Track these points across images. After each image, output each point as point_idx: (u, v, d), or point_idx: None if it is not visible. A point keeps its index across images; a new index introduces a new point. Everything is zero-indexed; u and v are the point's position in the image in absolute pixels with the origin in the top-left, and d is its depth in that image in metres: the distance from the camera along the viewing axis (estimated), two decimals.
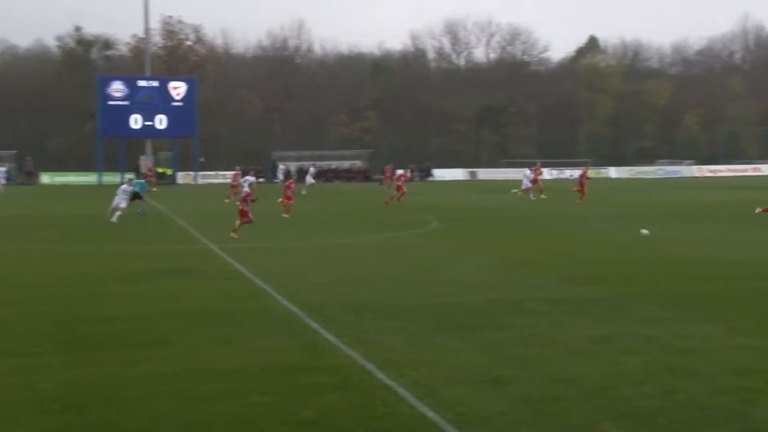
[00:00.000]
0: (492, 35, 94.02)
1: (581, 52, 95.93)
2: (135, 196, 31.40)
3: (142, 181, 37.12)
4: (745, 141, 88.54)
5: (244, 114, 79.39)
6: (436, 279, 16.62)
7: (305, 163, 63.78)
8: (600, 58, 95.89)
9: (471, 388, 9.14)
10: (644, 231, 22.60)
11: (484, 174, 72.24)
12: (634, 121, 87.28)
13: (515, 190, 43.26)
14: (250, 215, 24.33)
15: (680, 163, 77.30)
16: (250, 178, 42.63)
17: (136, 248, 21.99)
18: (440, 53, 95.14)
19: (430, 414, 8.27)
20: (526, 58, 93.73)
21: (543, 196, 40.67)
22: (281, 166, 63.62)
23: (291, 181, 34.19)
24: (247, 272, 17.43)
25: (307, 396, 8.91)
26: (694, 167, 76.08)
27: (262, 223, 28.88)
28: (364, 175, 67.19)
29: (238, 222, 24.04)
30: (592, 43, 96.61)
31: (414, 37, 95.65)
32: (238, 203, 25.71)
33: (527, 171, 44.01)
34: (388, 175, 53.96)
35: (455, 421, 8.09)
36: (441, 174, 70.90)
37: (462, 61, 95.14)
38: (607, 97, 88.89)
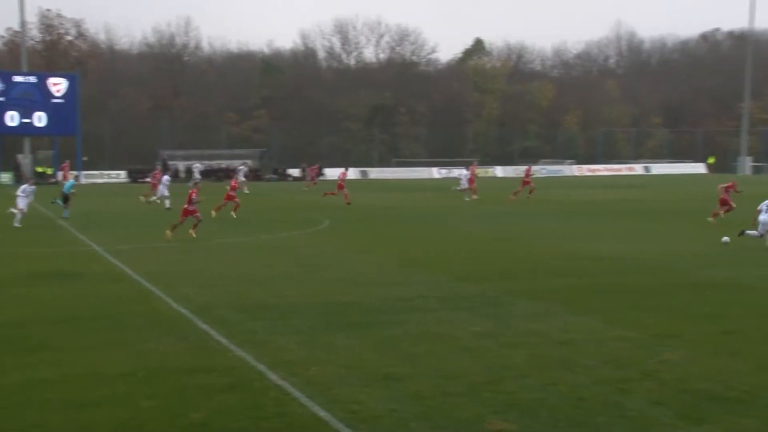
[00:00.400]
0: (381, 35, 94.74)
1: (468, 53, 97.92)
2: (65, 199, 30.51)
3: (72, 181, 34.88)
4: (620, 142, 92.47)
5: (130, 112, 77.12)
6: (328, 278, 16.63)
7: (193, 162, 62.59)
8: (486, 60, 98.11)
9: (363, 385, 9.20)
10: (725, 238, 21.95)
11: (376, 173, 72.74)
12: (519, 121, 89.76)
13: (455, 188, 43.49)
14: (198, 213, 23.91)
15: (562, 163, 79.98)
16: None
17: (14, 251, 21.04)
18: (330, 53, 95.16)
19: (322, 413, 8.28)
20: (415, 58, 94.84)
21: (475, 197, 40.29)
22: (197, 165, 61.93)
23: (234, 180, 33.97)
24: (134, 274, 16.97)
25: (196, 398, 8.76)
26: (575, 166, 78.85)
27: (150, 223, 28.17)
28: (255, 175, 66.43)
29: (178, 223, 23.67)
30: (478, 45, 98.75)
31: (304, 37, 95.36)
32: (150, 200, 25.14)
33: (464, 171, 44.03)
34: (312, 175, 55.10)
35: (347, 419, 8.13)
36: (333, 173, 70.90)
37: (352, 61, 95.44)
38: (493, 97, 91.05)
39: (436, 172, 74.56)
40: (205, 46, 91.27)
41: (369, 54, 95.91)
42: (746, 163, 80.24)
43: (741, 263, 18.52)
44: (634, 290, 15.14)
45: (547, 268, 17.92)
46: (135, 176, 63.92)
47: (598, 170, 78.55)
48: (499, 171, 75.70)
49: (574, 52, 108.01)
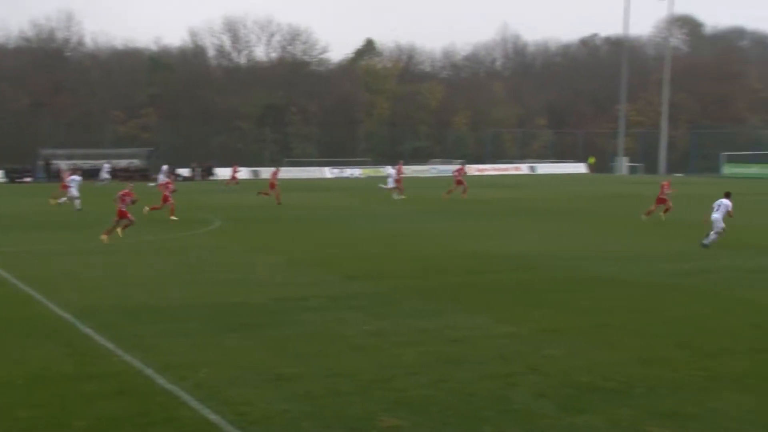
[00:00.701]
0: (272, 34, 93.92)
1: (359, 53, 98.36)
2: None
3: None
4: (507, 142, 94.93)
5: (6, 109, 73.60)
6: (219, 279, 16.36)
7: (87, 162, 60.38)
8: (377, 60, 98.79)
9: (254, 387, 9.10)
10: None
11: (267, 173, 72.02)
12: (410, 121, 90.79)
13: (381, 186, 43.35)
14: (129, 215, 23.02)
15: (451, 162, 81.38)
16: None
17: None
18: (220, 51, 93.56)
19: (212, 416, 8.15)
20: (306, 58, 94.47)
21: (402, 197, 40.23)
22: (106, 165, 59.21)
23: (168, 181, 32.83)
24: (12, 278, 16.22)
25: (79, 406, 8.45)
26: (388, 167, 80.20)
27: (36, 225, 27.01)
28: (142, 175, 64.59)
29: (114, 224, 22.77)
30: (369, 46, 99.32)
31: (193, 34, 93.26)
32: (60, 201, 24.04)
33: (391, 170, 44.02)
34: (233, 174, 54.58)
35: (237, 421, 8.03)
36: (224, 173, 69.78)
37: (243, 60, 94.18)
38: (384, 98, 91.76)
39: (328, 172, 74.55)
40: (88, 41, 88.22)
41: (260, 53, 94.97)
42: (623, 164, 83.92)
43: (621, 259, 19.32)
44: (522, 287, 15.56)
45: (438, 266, 18.20)
46: (12, 176, 61.14)
47: (487, 170, 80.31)
48: (391, 170, 76.21)
49: (463, 54, 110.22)
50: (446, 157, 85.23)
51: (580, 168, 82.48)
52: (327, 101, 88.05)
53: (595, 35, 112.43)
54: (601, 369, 9.78)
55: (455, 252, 20.58)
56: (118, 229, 22.88)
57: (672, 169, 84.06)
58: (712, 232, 21.25)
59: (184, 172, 67.02)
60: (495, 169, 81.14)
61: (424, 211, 33.37)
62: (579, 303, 13.88)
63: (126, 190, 23.44)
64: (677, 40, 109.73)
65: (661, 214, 28.83)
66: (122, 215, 22.90)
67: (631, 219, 29.28)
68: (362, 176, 72.79)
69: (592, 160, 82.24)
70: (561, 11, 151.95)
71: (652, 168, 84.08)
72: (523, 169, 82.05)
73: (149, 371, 9.62)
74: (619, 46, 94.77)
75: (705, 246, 20.96)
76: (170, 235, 24.35)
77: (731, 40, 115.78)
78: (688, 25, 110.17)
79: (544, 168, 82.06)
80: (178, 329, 11.83)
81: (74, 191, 33.27)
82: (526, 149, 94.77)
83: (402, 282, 16.01)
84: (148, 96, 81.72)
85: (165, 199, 29.74)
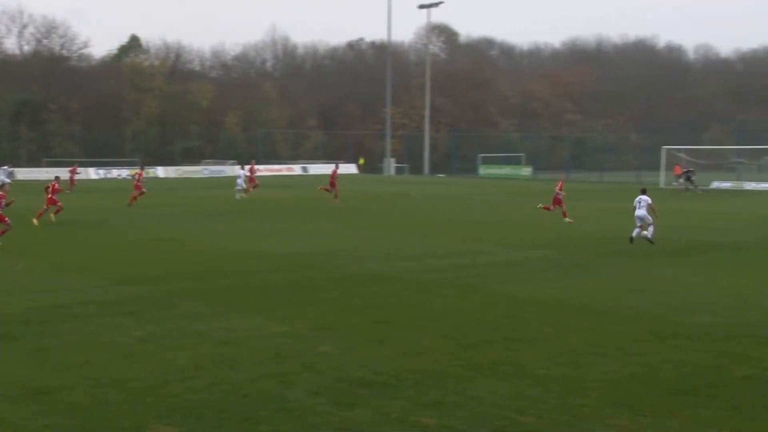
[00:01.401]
0: (24, 26, 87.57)
1: (124, 50, 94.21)
2: None
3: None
4: (279, 143, 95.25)
5: None
6: None
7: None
8: (143, 58, 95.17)
9: (10, 403, 8.43)
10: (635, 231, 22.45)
11: (24, 174, 66.91)
12: (180, 121, 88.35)
13: (239, 189, 41.67)
14: (7, 220, 21.61)
15: (224, 163, 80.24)
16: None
17: None
18: None
19: None
20: (65, 52, 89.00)
21: (244, 196, 40.38)
22: (5, 167, 51.15)
23: (53, 183, 29.26)
24: None
25: None
26: (237, 167, 79.53)
27: None
28: None
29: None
30: (134, 42, 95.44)
31: None
32: None
33: (241, 170, 43.54)
34: (72, 177, 50.46)
35: None
36: None
37: None
38: (152, 96, 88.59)
39: (93, 173, 70.70)
40: None
41: (11, 45, 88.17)
42: (390, 165, 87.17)
43: (393, 256, 20.01)
44: (296, 286, 15.66)
45: (211, 268, 17.86)
46: None
47: (259, 170, 79.92)
48: (161, 171, 73.84)
49: (233, 53, 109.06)
50: (218, 157, 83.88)
51: (351, 168, 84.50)
52: (90, 99, 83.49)
53: (361, 39, 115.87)
54: (373, 364, 10.08)
55: (232, 253, 20.32)
56: None
57: (435, 169, 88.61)
58: (650, 227, 22.25)
59: None
60: (267, 170, 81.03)
61: (194, 213, 32.63)
62: (352, 300, 14.21)
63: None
64: (436, 47, 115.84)
65: (566, 219, 28.66)
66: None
67: (402, 217, 30.45)
68: (129, 177, 69.79)
69: (361, 161, 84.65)
70: (329, 15, 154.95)
71: (417, 169, 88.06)
72: (296, 169, 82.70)
73: None
74: (383, 50, 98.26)
75: (649, 241, 21.99)
76: None
77: (483, 50, 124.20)
78: (445, 33, 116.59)
79: (317, 168, 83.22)
80: None
81: None
82: (298, 150, 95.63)
83: (177, 285, 15.54)
84: None
85: (51, 202, 27.84)
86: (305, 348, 10.83)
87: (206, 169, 78.15)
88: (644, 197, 22.64)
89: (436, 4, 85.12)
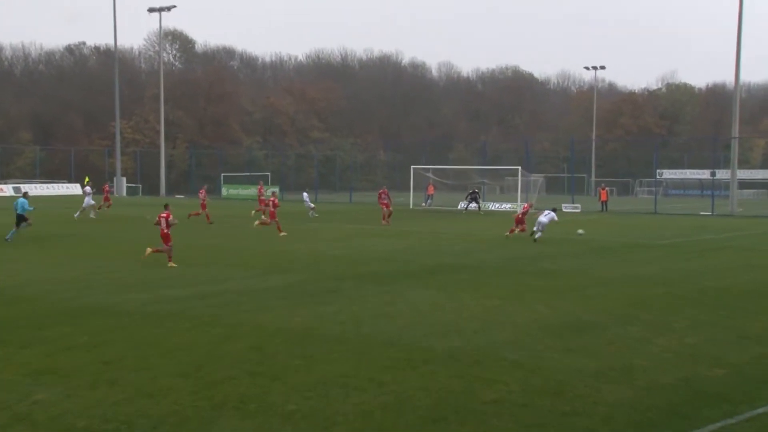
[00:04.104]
0: None
1: None
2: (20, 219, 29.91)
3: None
4: None
5: None
6: None
7: None
8: None
9: None
10: (580, 230, 32.50)
11: None
12: None
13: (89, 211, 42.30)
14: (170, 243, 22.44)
15: None
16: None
17: None
18: None
19: None
20: None
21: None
22: None
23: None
24: None
25: None
26: None
27: None
28: None
29: None
30: None
31: None
32: None
33: (87, 188, 44.37)
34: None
35: None
36: None
37: None
38: None
39: None
40: None
41: None
42: (122, 184, 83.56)
43: (124, 287, 19.16)
44: (12, 324, 14.53)
45: None
46: None
47: None
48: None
49: None
50: None
51: (75, 189, 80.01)
52: None
53: (82, 43, 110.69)
54: (102, 410, 9.57)
55: None
56: None
57: (173, 190, 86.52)
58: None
59: None
60: None
61: None
62: (76, 339, 13.41)
63: None
64: (170, 55, 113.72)
65: (508, 234, 33.54)
66: None
67: (134, 243, 29.34)
68: None
69: (87, 180, 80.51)
70: (38, 13, 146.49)
71: (153, 189, 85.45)
72: (7, 190, 76.91)
73: None
74: (109, 56, 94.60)
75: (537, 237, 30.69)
76: None
77: (222, 60, 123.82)
78: (180, 40, 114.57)
79: (34, 189, 77.96)
80: None
81: None
82: (10, 167, 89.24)
83: None
84: None
85: None
86: (19, 396, 10.05)
87: None
88: (551, 213, 31.21)
89: (167, 8, 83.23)
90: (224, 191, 79.87)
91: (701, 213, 40.94)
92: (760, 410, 9.83)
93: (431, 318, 15.67)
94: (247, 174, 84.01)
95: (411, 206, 59.08)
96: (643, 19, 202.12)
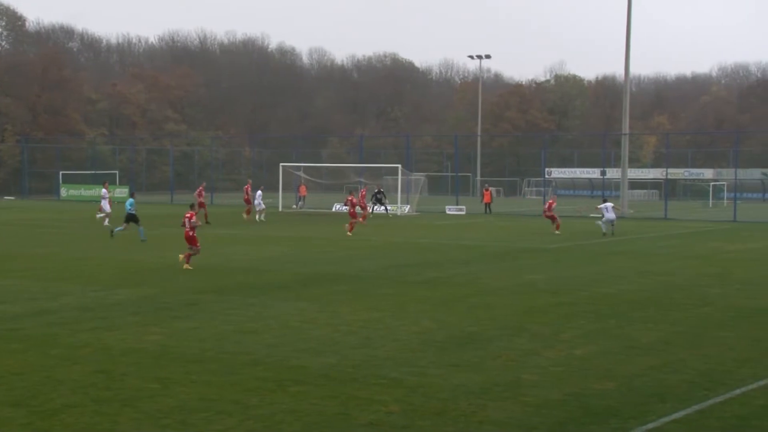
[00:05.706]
0: None
1: None
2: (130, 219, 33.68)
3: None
4: None
5: None
6: None
7: None
8: None
9: None
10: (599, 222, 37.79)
11: None
12: None
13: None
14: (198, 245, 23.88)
15: None
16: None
17: None
18: None
19: None
20: None
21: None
22: None
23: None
24: None
25: None
26: None
27: None
28: None
29: None
30: None
31: None
32: None
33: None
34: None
35: None
36: None
37: None
38: None
39: None
40: None
41: None
42: None
43: None
44: None
45: None
46: None
47: None
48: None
49: None
50: None
51: None
52: None
53: None
54: None
55: None
56: None
57: (2, 190, 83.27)
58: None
59: None
60: None
61: None
62: None
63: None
64: None
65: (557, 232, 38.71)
66: None
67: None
68: None
69: None
70: None
71: None
72: None
73: None
74: None
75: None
76: None
77: (59, 41, 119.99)
78: (7, 16, 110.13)
79: None
80: None
81: None
82: None
83: None
84: None
85: None
86: None
87: None
88: (608, 204, 38.04)
89: None
90: (63, 192, 77.45)
91: (591, 215, 42.56)
92: (650, 425, 10.33)
93: (303, 333, 15.72)
94: (91, 172, 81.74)
95: (281, 209, 58.84)
96: (531, 5, 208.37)
